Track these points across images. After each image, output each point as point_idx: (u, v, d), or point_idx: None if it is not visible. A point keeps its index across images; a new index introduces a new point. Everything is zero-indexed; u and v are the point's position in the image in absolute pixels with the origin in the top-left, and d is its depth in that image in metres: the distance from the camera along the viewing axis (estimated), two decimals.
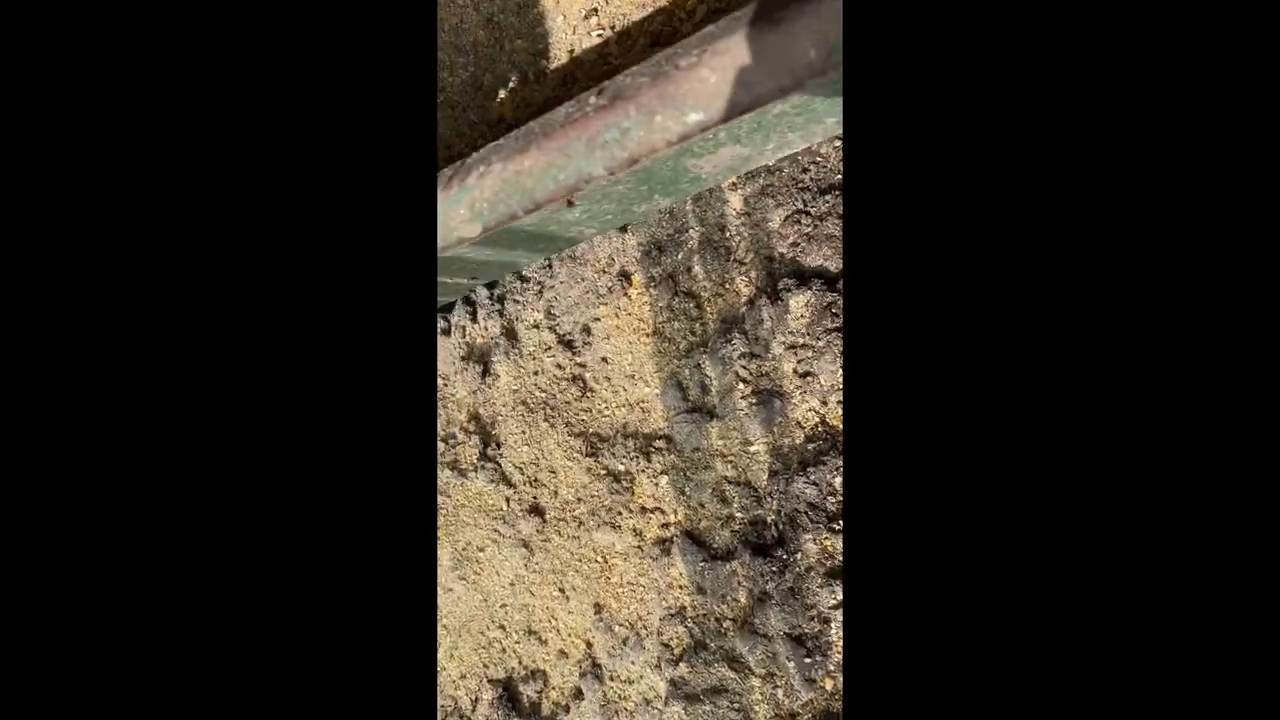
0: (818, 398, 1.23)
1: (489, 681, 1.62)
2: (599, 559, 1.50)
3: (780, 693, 1.23)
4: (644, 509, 1.44)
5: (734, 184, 1.38)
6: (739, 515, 1.32)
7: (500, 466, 1.61)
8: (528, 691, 1.56)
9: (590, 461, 1.50)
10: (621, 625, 1.46)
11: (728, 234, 1.39)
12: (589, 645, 1.51)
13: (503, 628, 1.63)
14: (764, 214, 1.34)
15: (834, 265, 1.23)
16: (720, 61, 1.16)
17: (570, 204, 1.32)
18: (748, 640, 1.26)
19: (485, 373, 1.65)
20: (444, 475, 1.72)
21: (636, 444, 1.45)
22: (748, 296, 1.35)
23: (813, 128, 1.21)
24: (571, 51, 1.58)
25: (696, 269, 1.42)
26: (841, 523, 1.17)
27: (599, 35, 1.54)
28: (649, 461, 1.43)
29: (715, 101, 1.18)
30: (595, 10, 1.55)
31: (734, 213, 1.38)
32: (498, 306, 1.63)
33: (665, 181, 1.31)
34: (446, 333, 1.74)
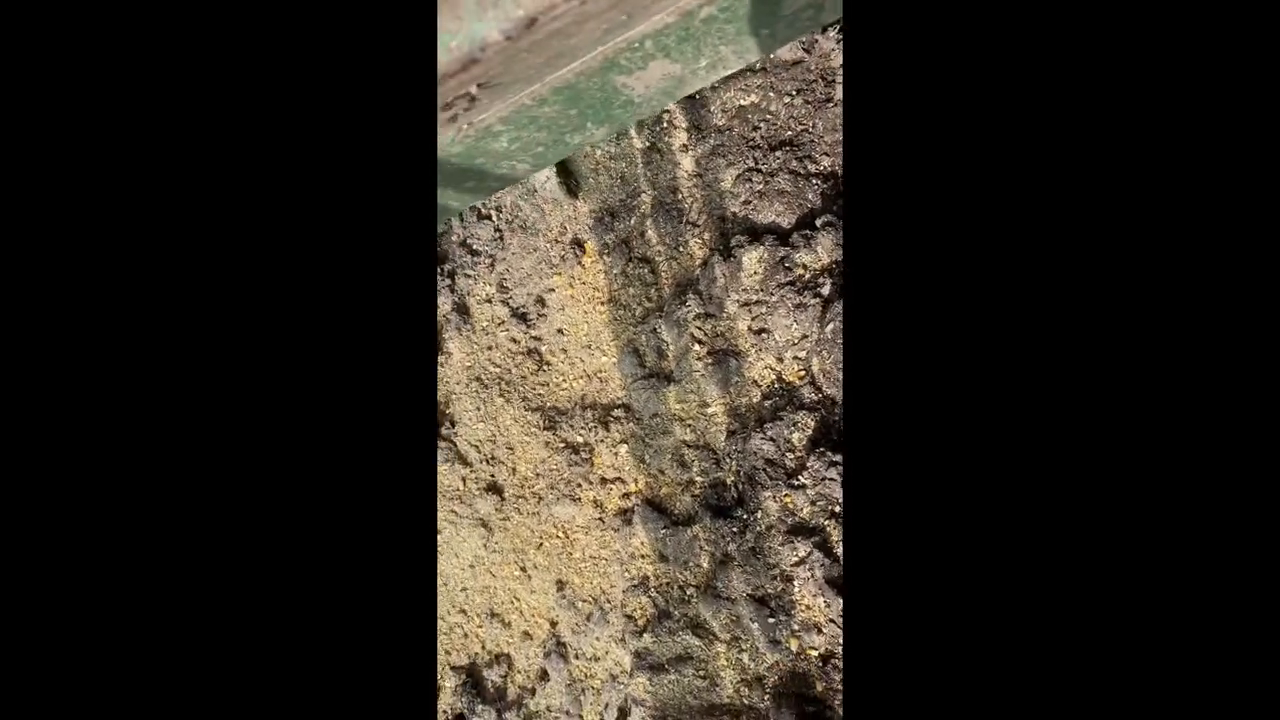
0: (773, 354, 1.21)
1: (452, 669, 1.58)
2: (560, 534, 1.46)
3: (745, 656, 1.21)
4: (604, 480, 1.40)
5: (685, 145, 1.36)
6: (699, 479, 1.29)
7: (455, 445, 1.57)
8: (492, 676, 1.52)
9: (548, 435, 1.47)
10: (585, 600, 1.43)
11: (680, 196, 1.36)
12: (553, 624, 1.47)
13: (464, 612, 1.58)
14: (715, 174, 1.32)
15: (786, 221, 1.22)
16: None
17: (473, 100, 1.18)
18: (711, 605, 1.23)
19: (437, 350, 1.61)
20: None
21: (595, 415, 1.42)
22: (702, 258, 1.32)
23: (745, 41, 1.14)
24: None
25: (650, 233, 1.40)
26: (801, 478, 1.15)
27: None
28: (607, 431, 1.40)
29: None
30: None
31: (685, 175, 1.35)
32: (448, 282, 1.60)
33: (596, 105, 1.23)
34: None
